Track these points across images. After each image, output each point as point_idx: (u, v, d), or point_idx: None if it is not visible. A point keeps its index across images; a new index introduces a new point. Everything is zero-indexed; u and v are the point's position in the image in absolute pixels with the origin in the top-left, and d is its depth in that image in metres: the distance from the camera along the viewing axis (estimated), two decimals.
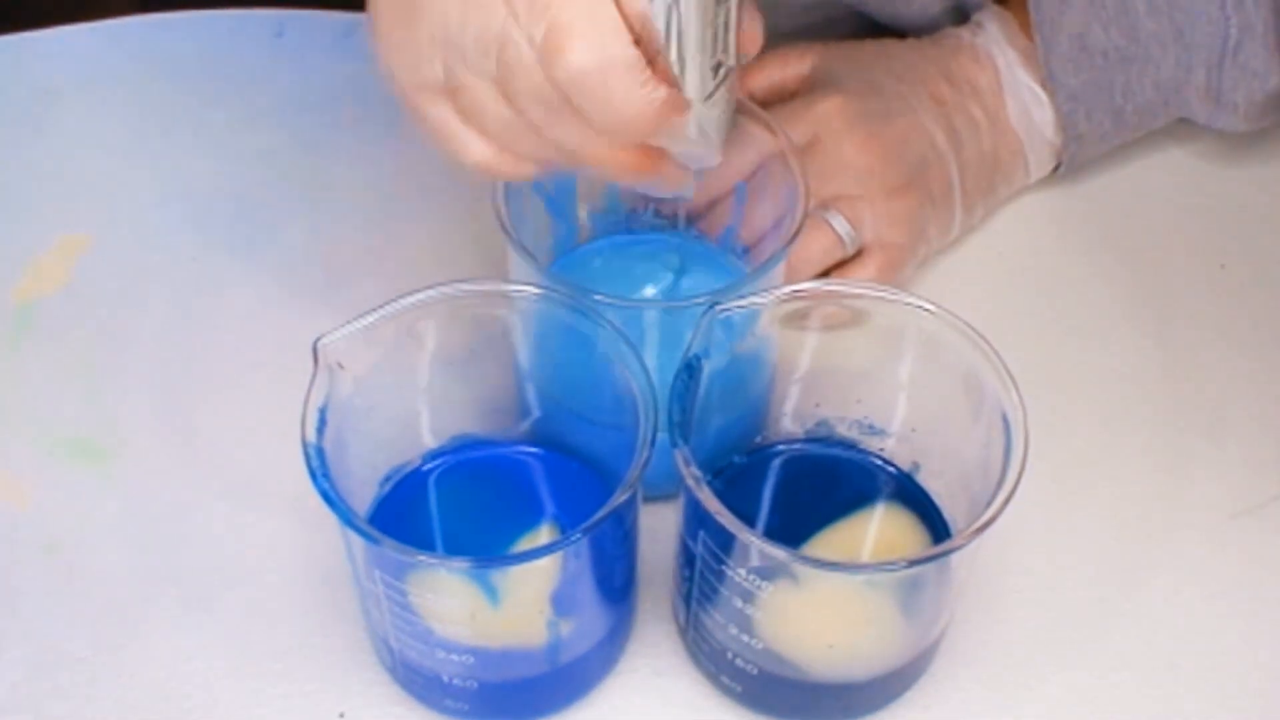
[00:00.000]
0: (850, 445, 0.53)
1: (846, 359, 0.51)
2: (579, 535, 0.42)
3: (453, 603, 0.44)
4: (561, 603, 0.45)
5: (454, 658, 0.46)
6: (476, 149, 0.46)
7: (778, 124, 0.53)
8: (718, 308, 0.46)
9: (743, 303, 0.47)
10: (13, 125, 0.69)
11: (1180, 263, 0.65)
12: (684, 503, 0.47)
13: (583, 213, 0.57)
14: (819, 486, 0.52)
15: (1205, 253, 0.65)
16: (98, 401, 0.59)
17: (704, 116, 0.46)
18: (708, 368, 0.46)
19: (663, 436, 0.45)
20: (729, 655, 0.48)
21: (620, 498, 0.43)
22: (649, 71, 0.43)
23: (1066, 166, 0.65)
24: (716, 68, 0.45)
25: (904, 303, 0.48)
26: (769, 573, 0.44)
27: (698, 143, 0.47)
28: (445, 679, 0.47)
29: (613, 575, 0.47)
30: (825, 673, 0.47)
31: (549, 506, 0.51)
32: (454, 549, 0.48)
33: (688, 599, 0.48)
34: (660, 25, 0.42)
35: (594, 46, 0.42)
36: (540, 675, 0.48)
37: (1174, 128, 0.69)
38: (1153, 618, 0.53)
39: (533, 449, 0.52)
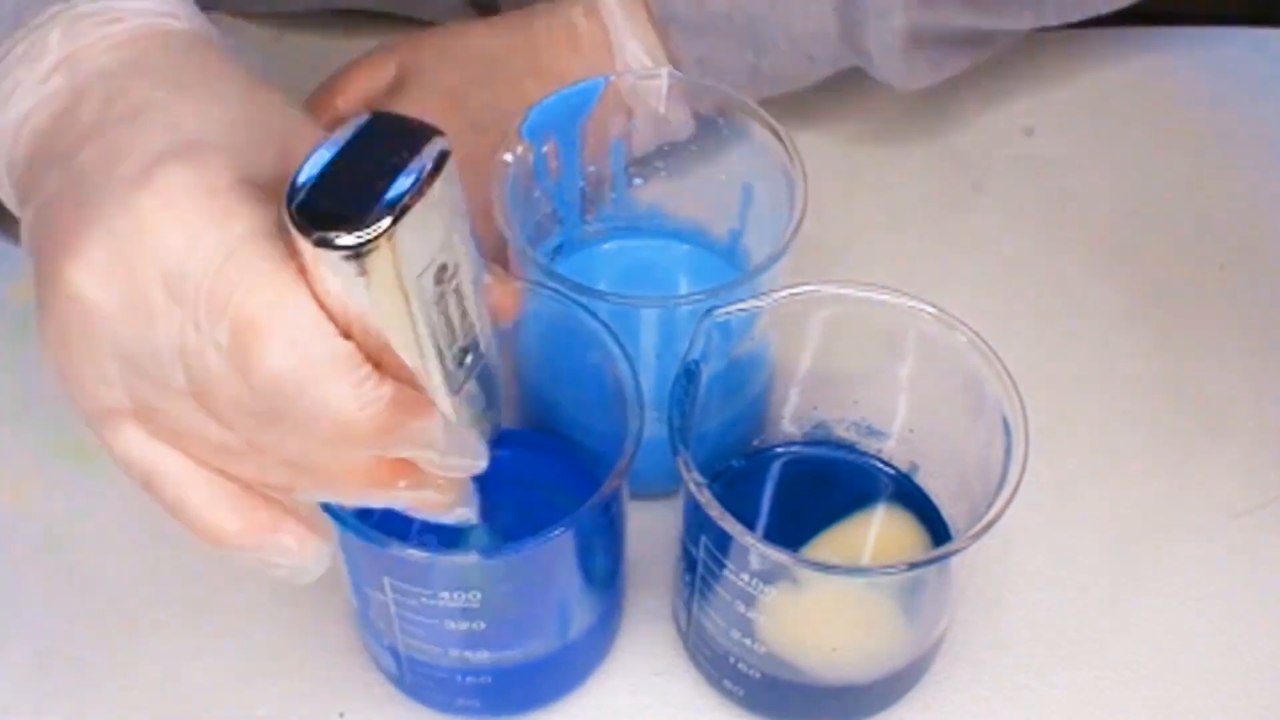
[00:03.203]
0: (849, 447, 0.53)
1: (845, 360, 0.51)
2: (564, 528, 0.43)
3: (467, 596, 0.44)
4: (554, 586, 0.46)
5: (468, 653, 0.46)
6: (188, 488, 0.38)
7: (778, 125, 0.53)
8: (715, 311, 0.46)
9: (740, 306, 0.47)
10: None
11: (1180, 263, 0.65)
12: (684, 507, 0.47)
13: (590, 212, 0.57)
14: (818, 488, 0.52)
15: (1205, 253, 0.65)
16: None
17: (461, 412, 0.38)
18: (706, 372, 0.46)
19: (657, 434, 0.45)
20: (731, 659, 0.48)
21: (606, 490, 0.43)
22: (366, 367, 0.35)
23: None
24: (462, 353, 0.38)
25: (904, 303, 0.48)
26: (770, 576, 0.44)
27: (456, 447, 0.39)
28: (459, 678, 0.47)
29: (600, 563, 0.47)
30: (827, 676, 0.47)
31: (540, 498, 0.51)
32: (451, 544, 0.49)
33: (689, 603, 0.48)
34: (366, 310, 0.34)
35: (289, 342, 0.34)
36: (549, 657, 0.48)
37: (1173, 127, 0.69)
38: (1153, 617, 0.53)
39: (524, 440, 0.52)
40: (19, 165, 0.40)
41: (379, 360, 0.35)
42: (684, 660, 0.51)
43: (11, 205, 0.42)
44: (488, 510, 0.50)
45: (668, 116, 0.56)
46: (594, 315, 0.47)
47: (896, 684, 0.49)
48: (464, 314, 0.37)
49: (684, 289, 0.57)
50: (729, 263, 0.57)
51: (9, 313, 0.61)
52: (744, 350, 0.49)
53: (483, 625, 0.45)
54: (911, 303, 0.47)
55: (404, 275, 0.34)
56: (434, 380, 0.37)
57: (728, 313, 0.46)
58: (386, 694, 0.50)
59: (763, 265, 0.49)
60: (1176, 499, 0.56)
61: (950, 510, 0.50)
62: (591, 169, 0.56)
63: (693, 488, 0.43)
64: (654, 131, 0.57)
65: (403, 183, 0.33)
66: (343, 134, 0.34)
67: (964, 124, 0.70)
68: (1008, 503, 0.43)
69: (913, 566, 0.44)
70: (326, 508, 0.42)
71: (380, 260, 0.33)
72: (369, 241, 0.32)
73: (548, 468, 0.52)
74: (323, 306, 0.35)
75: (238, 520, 0.38)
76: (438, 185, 0.33)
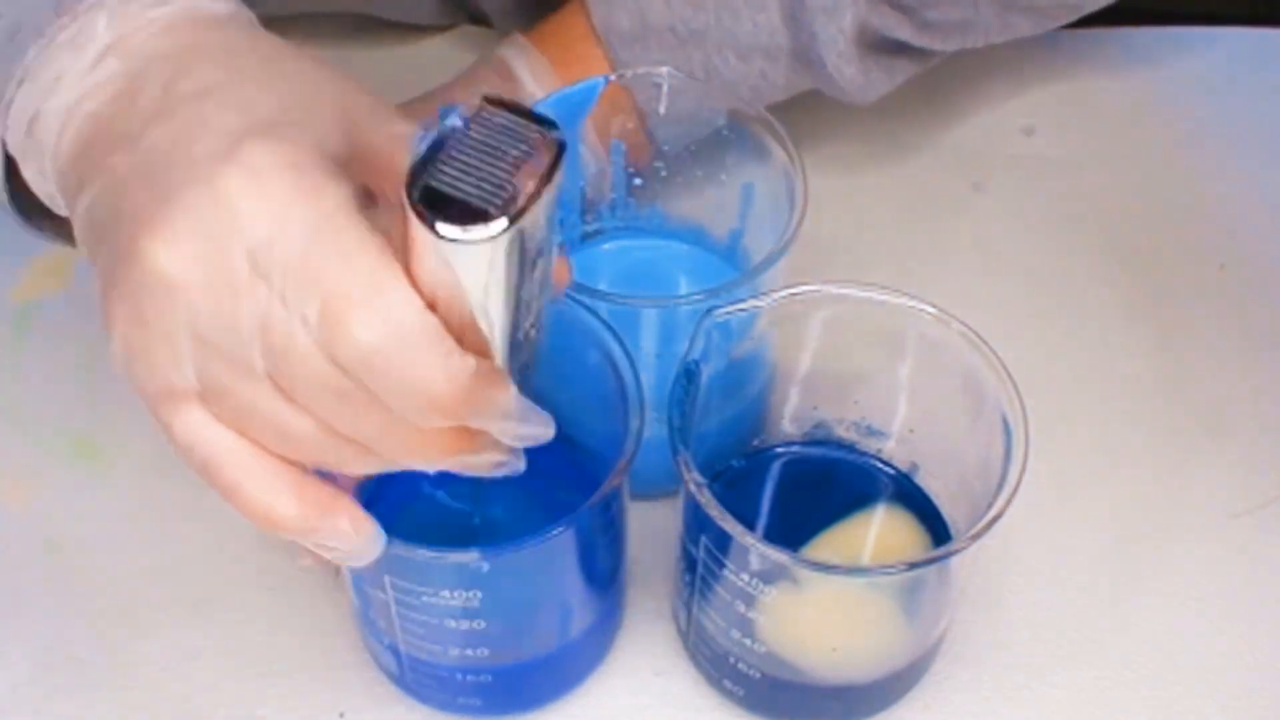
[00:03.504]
0: (849, 447, 0.53)
1: (845, 361, 0.51)
2: (564, 527, 0.43)
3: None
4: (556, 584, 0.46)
5: (469, 651, 0.46)
6: (246, 472, 0.38)
7: (778, 125, 0.53)
8: (715, 312, 0.46)
9: (740, 306, 0.47)
10: None
11: (1180, 263, 0.65)
12: (684, 507, 0.47)
13: (590, 212, 0.57)
14: (818, 488, 0.52)
15: (1205, 253, 0.65)
16: (98, 401, 0.59)
17: (521, 382, 0.39)
18: (706, 372, 0.46)
19: (657, 434, 0.45)
20: (731, 659, 0.48)
21: (607, 489, 0.43)
22: (451, 340, 0.35)
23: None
24: (528, 332, 0.38)
25: (904, 303, 0.48)
26: (770, 576, 0.44)
27: (528, 417, 0.39)
28: (460, 677, 0.47)
29: (600, 562, 0.47)
30: (827, 675, 0.47)
31: (540, 498, 0.51)
32: (448, 542, 0.49)
33: (689, 603, 0.48)
34: (463, 290, 0.35)
35: (382, 316, 0.34)
36: (549, 656, 0.48)
37: (1174, 127, 0.69)
38: (1153, 617, 0.53)
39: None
40: (66, 152, 0.39)
41: (459, 335, 0.36)
42: (684, 660, 0.51)
43: (53, 193, 0.41)
44: (488, 510, 0.50)
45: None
46: (595, 314, 0.47)
47: (896, 684, 0.49)
48: (539, 291, 0.37)
49: (684, 289, 0.57)
50: (729, 263, 0.57)
51: (9, 313, 0.61)
52: (744, 350, 0.49)
53: (483, 624, 0.45)
54: (911, 303, 0.47)
55: (510, 265, 0.34)
56: (505, 355, 0.37)
57: (728, 313, 0.46)
58: (386, 694, 0.50)
59: (762, 265, 0.49)
60: (1176, 499, 0.56)
61: (950, 510, 0.50)
62: (592, 169, 0.56)
63: (693, 488, 0.43)
64: (685, 130, 0.57)
65: (526, 179, 0.33)
66: (458, 116, 0.33)
67: (964, 124, 0.70)
68: (1008, 503, 0.43)
69: (913, 566, 0.44)
70: None
71: (494, 252, 0.33)
72: (491, 238, 0.33)
73: (548, 468, 0.52)
74: (411, 278, 0.35)
75: (296, 505, 0.38)
76: (553, 183, 0.33)
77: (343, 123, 0.38)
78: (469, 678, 0.47)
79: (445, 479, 0.50)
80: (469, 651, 0.46)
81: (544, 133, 0.33)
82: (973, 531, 0.43)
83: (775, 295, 0.47)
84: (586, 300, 0.47)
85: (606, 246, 0.58)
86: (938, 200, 0.67)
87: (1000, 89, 0.71)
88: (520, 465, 0.41)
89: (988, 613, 0.53)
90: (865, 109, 0.63)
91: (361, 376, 0.35)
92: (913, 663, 0.48)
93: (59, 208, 0.42)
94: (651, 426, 0.45)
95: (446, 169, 0.33)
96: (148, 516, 0.55)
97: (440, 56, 0.73)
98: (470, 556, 0.42)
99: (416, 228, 0.33)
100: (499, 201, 0.33)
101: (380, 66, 0.72)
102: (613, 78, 0.55)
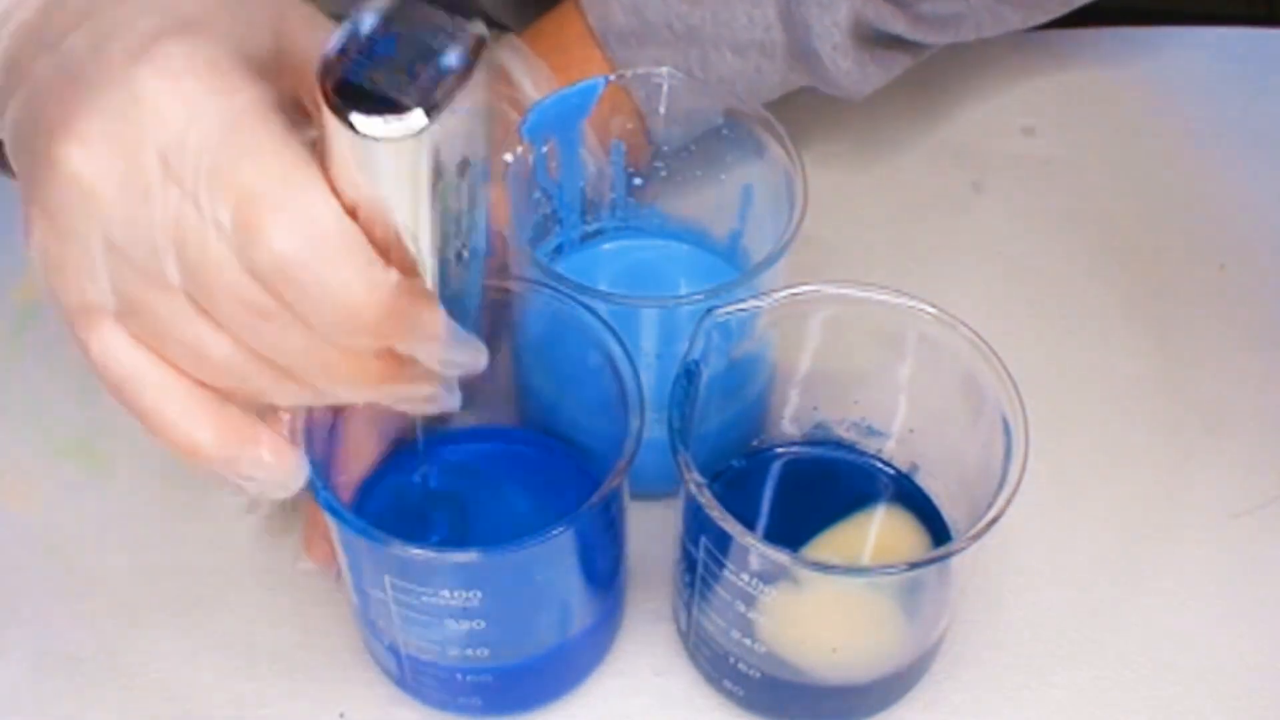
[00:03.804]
0: (849, 447, 0.53)
1: (845, 360, 0.51)
2: (564, 528, 0.43)
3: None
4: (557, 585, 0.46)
5: (468, 651, 0.46)
6: (155, 387, 0.37)
7: (778, 125, 0.53)
8: (715, 312, 0.46)
9: (740, 306, 0.47)
10: None
11: (1180, 263, 0.65)
12: (684, 507, 0.47)
13: (590, 212, 0.57)
14: (818, 489, 0.52)
15: (1205, 253, 0.65)
16: (98, 402, 0.58)
17: (454, 310, 0.37)
18: (706, 372, 0.46)
19: (657, 434, 0.45)
20: (731, 659, 0.48)
21: (606, 489, 0.43)
22: (372, 250, 0.34)
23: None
24: (461, 248, 0.36)
25: (904, 303, 0.47)
26: (770, 576, 0.44)
27: (458, 340, 0.37)
28: (459, 677, 0.47)
29: (600, 563, 0.47)
30: (827, 676, 0.47)
31: (540, 497, 0.51)
32: (447, 542, 0.49)
33: (689, 603, 0.48)
34: (384, 196, 0.33)
35: (298, 220, 0.33)
36: (549, 656, 0.48)
37: (1174, 127, 0.69)
38: (1153, 617, 0.53)
39: (525, 440, 0.52)
40: (1, 66, 0.38)
41: (384, 250, 0.34)
42: (684, 660, 0.51)
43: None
44: (489, 509, 0.50)
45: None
46: (595, 314, 0.47)
47: (896, 683, 0.49)
48: (471, 206, 0.35)
49: (684, 289, 0.57)
50: (729, 263, 0.57)
51: (9, 313, 0.61)
52: (744, 350, 0.49)
53: (483, 624, 0.45)
54: (911, 303, 0.47)
55: (431, 167, 0.32)
56: (433, 273, 0.35)
57: (728, 313, 0.46)
58: (386, 694, 0.50)
59: (762, 265, 0.49)
60: (1176, 499, 0.56)
61: (950, 510, 0.50)
62: (591, 169, 0.56)
63: (693, 488, 0.43)
64: (684, 130, 0.56)
65: (444, 70, 0.32)
66: (374, 10, 0.32)
67: (964, 124, 0.70)
68: (1008, 503, 0.43)
69: (913, 566, 0.44)
70: (326, 505, 0.42)
71: (412, 149, 0.32)
72: (409, 133, 0.31)
73: (548, 468, 0.52)
74: (331, 186, 0.33)
75: (214, 431, 0.37)
76: (474, 76, 0.32)
77: (273, 28, 0.37)
78: (469, 677, 0.47)
79: (435, 474, 0.51)
80: (469, 651, 0.46)
81: (464, 26, 0.32)
82: (973, 531, 0.43)
83: (775, 295, 0.47)
84: (586, 300, 0.47)
85: (606, 247, 0.58)
86: (938, 200, 0.67)
87: (1000, 88, 0.71)
88: (455, 402, 0.39)
89: (988, 613, 0.53)
90: (864, 108, 0.63)
91: (277, 286, 0.33)
92: (913, 663, 0.48)
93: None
94: (651, 427, 0.45)
95: (364, 61, 0.32)
96: (148, 516, 0.55)
97: None
98: (469, 556, 0.42)
99: (332, 123, 0.32)
100: (418, 95, 0.31)
101: None
102: (612, 78, 0.55)
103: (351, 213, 0.33)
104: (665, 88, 0.55)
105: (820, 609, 0.46)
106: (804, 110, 0.62)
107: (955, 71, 0.68)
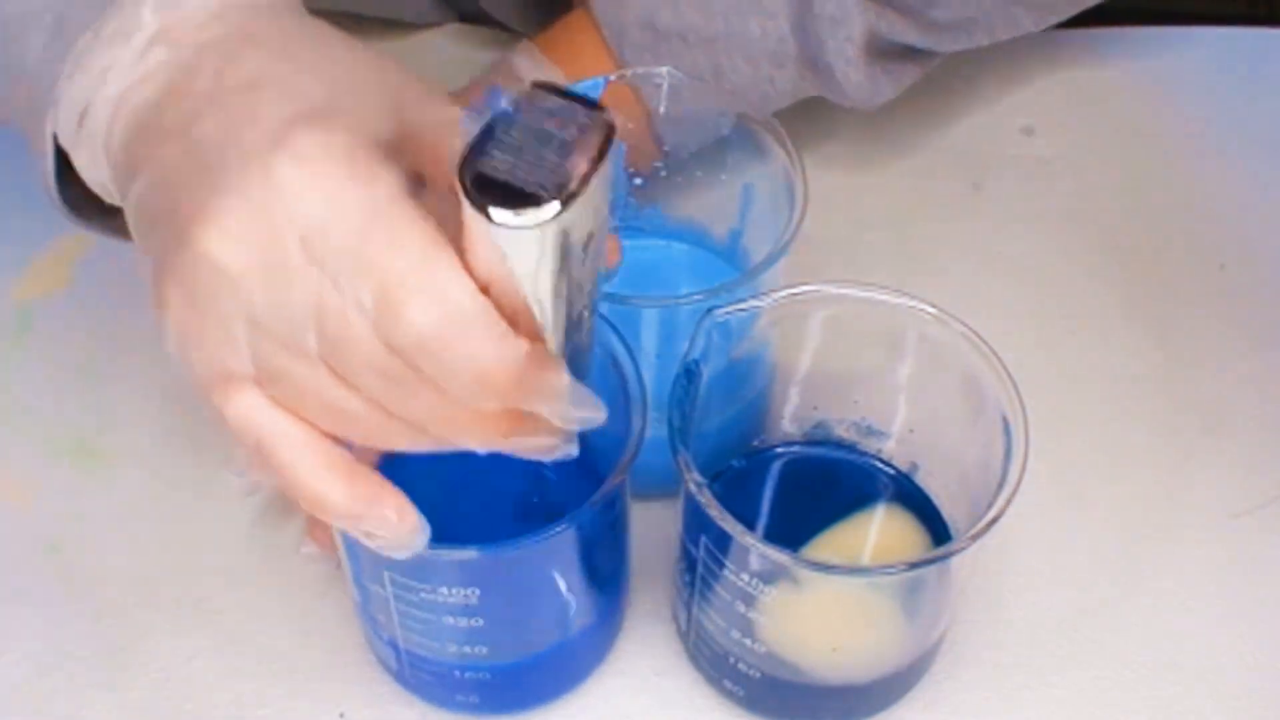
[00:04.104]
0: (849, 447, 0.53)
1: (845, 360, 0.51)
2: (564, 526, 0.43)
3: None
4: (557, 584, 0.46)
5: (467, 649, 0.46)
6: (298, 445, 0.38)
7: (778, 125, 0.53)
8: (715, 311, 0.46)
9: (740, 306, 0.47)
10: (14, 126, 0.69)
11: (1180, 263, 0.65)
12: (684, 507, 0.47)
13: None
14: (818, 488, 0.52)
15: (1205, 253, 0.65)
16: (98, 401, 0.59)
17: (575, 364, 0.39)
18: (706, 372, 0.46)
19: (657, 434, 0.45)
20: (731, 659, 0.48)
21: (608, 488, 0.43)
22: (504, 323, 0.36)
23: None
24: (581, 313, 0.38)
25: (904, 303, 0.48)
26: (770, 576, 0.44)
27: (580, 400, 0.39)
28: (458, 674, 0.47)
29: (600, 562, 0.47)
30: (827, 675, 0.47)
31: (541, 496, 0.51)
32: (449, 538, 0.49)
33: (689, 603, 0.48)
34: (516, 275, 0.35)
35: (437, 300, 0.35)
36: (549, 655, 0.48)
37: (1174, 127, 0.69)
38: (1153, 617, 0.53)
39: None
40: (118, 141, 0.40)
41: (513, 318, 0.36)
42: (684, 660, 0.51)
43: (105, 182, 0.42)
44: (489, 506, 0.50)
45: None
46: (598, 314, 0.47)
47: (896, 683, 0.49)
48: (594, 275, 0.38)
49: (684, 289, 0.57)
50: (729, 263, 0.57)
51: (9, 313, 0.61)
52: (744, 350, 0.49)
53: (481, 622, 0.45)
54: (911, 303, 0.47)
55: (562, 249, 0.34)
56: (558, 338, 0.37)
57: (728, 313, 0.46)
58: (386, 693, 0.50)
59: (763, 265, 0.49)
60: (1176, 499, 0.56)
61: (950, 510, 0.50)
62: None
63: (693, 488, 0.43)
64: (694, 139, 0.57)
65: (577, 162, 0.33)
66: (507, 101, 0.34)
67: (964, 124, 0.70)
68: (1008, 503, 0.43)
69: (913, 566, 0.44)
70: None
71: (546, 236, 0.33)
72: (543, 223, 0.33)
73: (548, 466, 0.52)
74: (465, 263, 0.35)
75: (345, 490, 0.39)
76: (604, 164, 0.33)
77: (392, 109, 0.39)
78: (467, 675, 0.47)
79: (436, 472, 0.50)
80: (467, 649, 0.46)
81: (593, 115, 0.34)
82: (973, 531, 0.43)
83: (775, 295, 0.47)
84: None
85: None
86: (938, 200, 0.67)
87: (1000, 89, 0.71)
88: (573, 449, 0.41)
89: (988, 613, 0.53)
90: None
91: (416, 359, 0.36)
92: (913, 663, 0.48)
93: (111, 196, 0.42)
94: (651, 426, 0.45)
95: (497, 154, 0.33)
96: (148, 516, 0.55)
97: (430, 53, 0.73)
98: (468, 554, 0.42)
99: (470, 213, 0.33)
100: (551, 185, 0.33)
101: None
102: (613, 77, 0.55)
103: (484, 288, 0.35)
104: (665, 87, 0.55)
105: (820, 609, 0.46)
106: (805, 111, 0.62)
107: (955, 72, 0.68)
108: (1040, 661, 0.52)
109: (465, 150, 0.33)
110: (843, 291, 0.48)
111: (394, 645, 0.48)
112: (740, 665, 0.47)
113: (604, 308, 0.47)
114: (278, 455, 0.38)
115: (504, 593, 0.45)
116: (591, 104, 0.34)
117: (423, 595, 0.44)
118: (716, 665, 0.49)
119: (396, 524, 0.40)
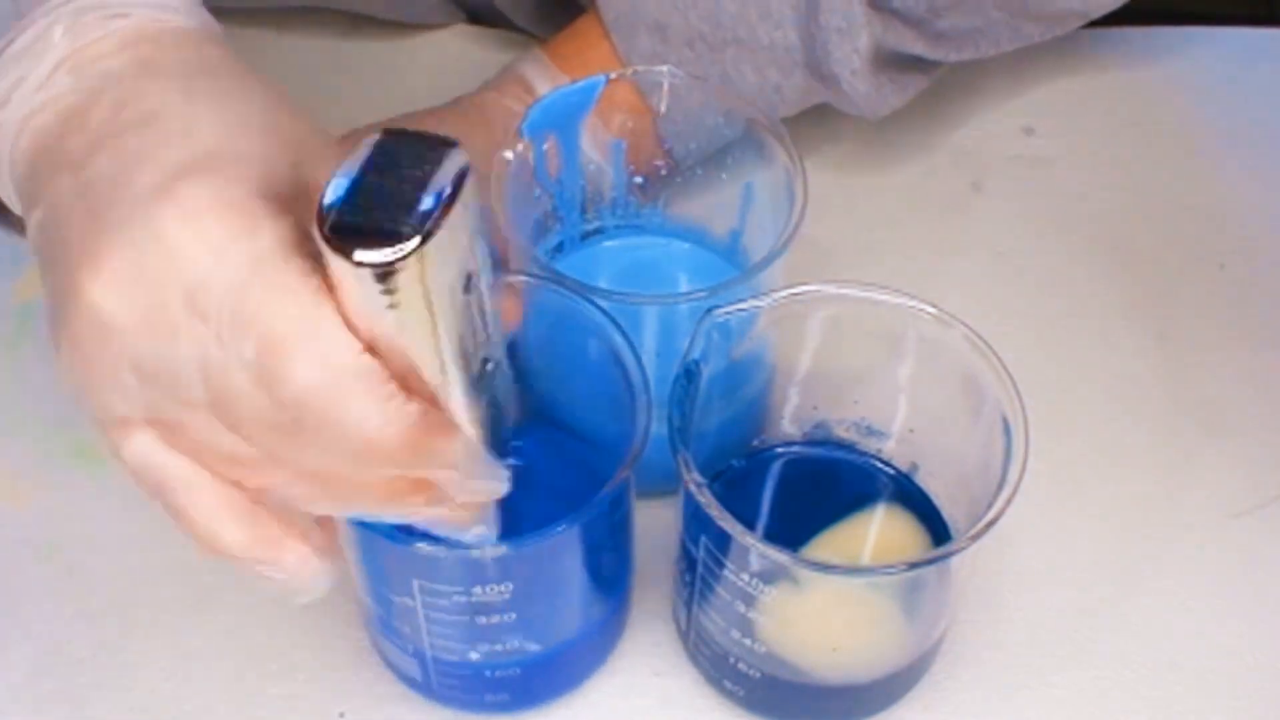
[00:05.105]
0: (849, 447, 0.53)
1: (845, 360, 0.51)
2: (568, 525, 0.43)
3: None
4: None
5: (499, 646, 0.46)
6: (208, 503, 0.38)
7: (779, 125, 0.53)
8: (715, 311, 0.46)
9: (740, 306, 0.47)
10: None
11: (1180, 263, 0.65)
12: (684, 507, 0.47)
13: (590, 210, 0.57)
14: (818, 488, 0.52)
15: (1205, 253, 0.65)
16: None
17: (480, 419, 0.39)
18: (706, 372, 0.46)
19: (657, 432, 0.45)
20: (731, 659, 0.48)
21: (612, 485, 0.43)
22: (392, 384, 0.35)
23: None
24: (484, 362, 0.38)
25: (904, 303, 0.47)
26: (770, 576, 0.44)
27: (477, 470, 0.39)
28: (488, 673, 0.47)
29: (589, 576, 0.48)
30: (827, 675, 0.47)
31: (541, 494, 0.51)
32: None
33: (689, 603, 0.48)
34: (395, 327, 0.34)
35: (317, 358, 0.34)
36: (573, 639, 0.49)
37: (1173, 127, 0.69)
38: (1153, 617, 0.53)
39: (525, 436, 0.53)
40: (21, 163, 0.40)
41: (403, 378, 0.35)
42: (684, 660, 0.51)
43: (12, 203, 0.42)
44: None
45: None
46: (600, 309, 0.47)
47: (896, 683, 0.49)
48: (484, 320, 0.37)
49: (684, 288, 0.57)
50: (729, 262, 0.57)
51: (9, 312, 0.61)
52: (744, 350, 0.49)
53: (514, 616, 0.45)
54: (911, 303, 0.47)
55: (432, 290, 0.34)
56: (456, 393, 0.37)
57: (727, 313, 0.46)
58: (386, 694, 0.50)
59: (761, 264, 0.49)
60: (1176, 499, 0.56)
61: (950, 510, 0.50)
62: (592, 167, 0.56)
63: (693, 488, 0.43)
64: (708, 141, 0.57)
65: (429, 198, 0.33)
66: (363, 151, 0.34)
67: (964, 124, 0.70)
68: (1008, 503, 0.43)
69: (913, 566, 0.44)
70: (362, 523, 0.42)
71: (410, 277, 0.33)
72: (400, 259, 0.33)
73: (548, 464, 0.52)
74: (348, 323, 0.35)
75: (243, 532, 0.38)
76: (462, 198, 0.34)
77: (291, 157, 0.38)
78: (498, 673, 0.47)
79: None
80: (499, 646, 0.46)
81: (447, 152, 0.34)
82: (973, 531, 0.43)
83: (775, 295, 0.47)
84: (584, 294, 0.47)
85: (607, 244, 0.58)
86: (938, 200, 0.67)
87: (1000, 89, 0.71)
88: (491, 534, 0.41)
89: (988, 613, 0.53)
90: None
91: (298, 418, 0.35)
92: (913, 663, 0.48)
93: (16, 208, 0.42)
94: (652, 424, 0.45)
95: (356, 200, 0.33)
96: (148, 516, 0.55)
97: (436, 55, 0.73)
98: (500, 550, 0.42)
99: (335, 262, 0.33)
100: (409, 222, 0.33)
101: (377, 65, 0.72)
102: (613, 76, 0.55)
103: (370, 348, 0.35)
104: (666, 86, 0.55)
105: (820, 609, 0.46)
106: (806, 112, 0.62)
107: (956, 72, 0.68)
108: (1040, 661, 0.52)
109: (321, 200, 0.33)
110: (843, 291, 0.48)
111: (420, 656, 0.47)
112: (740, 665, 0.47)
113: (602, 305, 0.47)
114: (174, 498, 0.38)
115: (536, 583, 0.45)
116: (446, 142, 0.34)
117: (455, 599, 0.44)
118: (716, 665, 0.49)
119: (296, 570, 0.39)
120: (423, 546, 0.42)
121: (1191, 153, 0.69)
